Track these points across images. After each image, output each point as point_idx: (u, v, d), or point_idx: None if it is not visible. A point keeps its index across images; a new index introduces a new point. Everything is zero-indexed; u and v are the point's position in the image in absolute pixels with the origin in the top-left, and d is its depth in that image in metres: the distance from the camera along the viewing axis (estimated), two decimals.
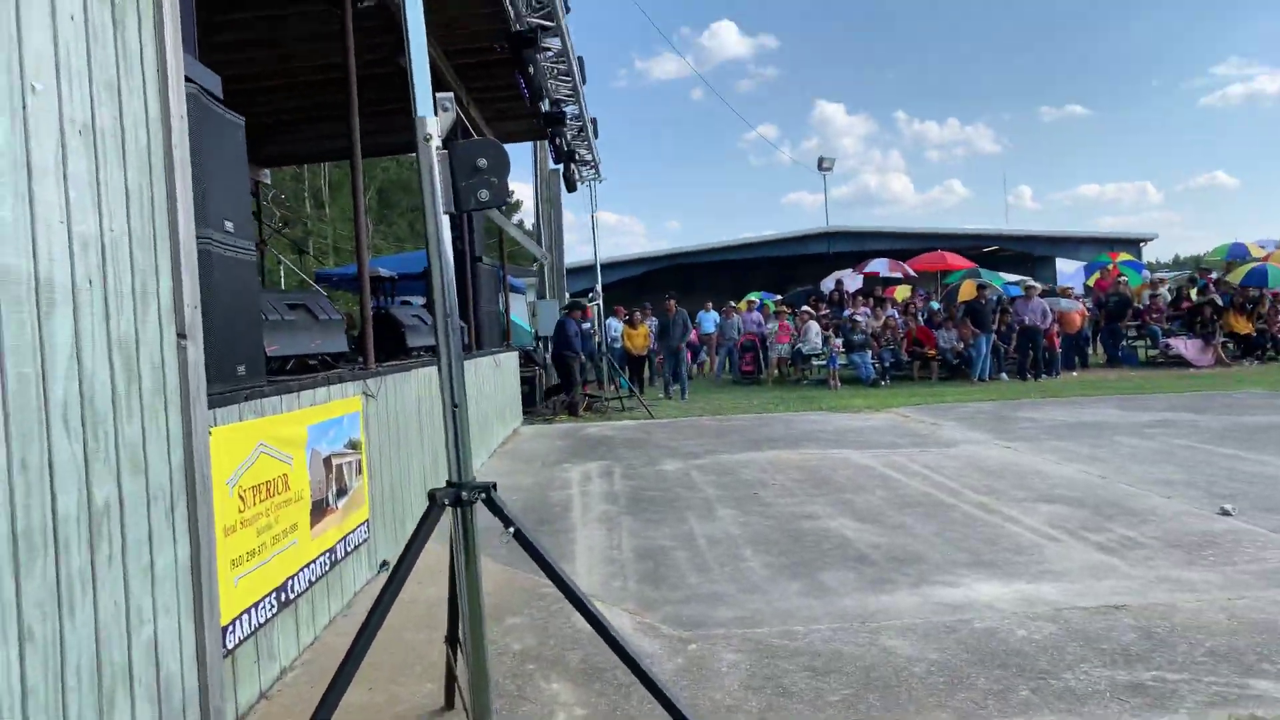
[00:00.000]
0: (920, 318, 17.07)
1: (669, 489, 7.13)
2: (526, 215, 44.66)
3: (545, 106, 9.87)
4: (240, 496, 3.31)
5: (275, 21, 7.58)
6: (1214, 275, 18.91)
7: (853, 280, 21.48)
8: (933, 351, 16.25)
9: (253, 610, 3.34)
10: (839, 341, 16.34)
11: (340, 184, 38.19)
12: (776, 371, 17.57)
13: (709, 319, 20.88)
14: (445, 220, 2.51)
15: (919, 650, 3.55)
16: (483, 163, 2.52)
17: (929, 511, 5.89)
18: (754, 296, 22.90)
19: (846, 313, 17.56)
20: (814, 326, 17.01)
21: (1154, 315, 17.49)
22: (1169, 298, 18.37)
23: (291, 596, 3.73)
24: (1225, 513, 5.43)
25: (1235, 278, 17.97)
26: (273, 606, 3.52)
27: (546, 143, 13.46)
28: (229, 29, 7.58)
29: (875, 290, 20.02)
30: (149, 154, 2.57)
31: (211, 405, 3.06)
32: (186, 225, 2.73)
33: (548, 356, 14.77)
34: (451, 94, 2.57)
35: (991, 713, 2.98)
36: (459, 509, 2.44)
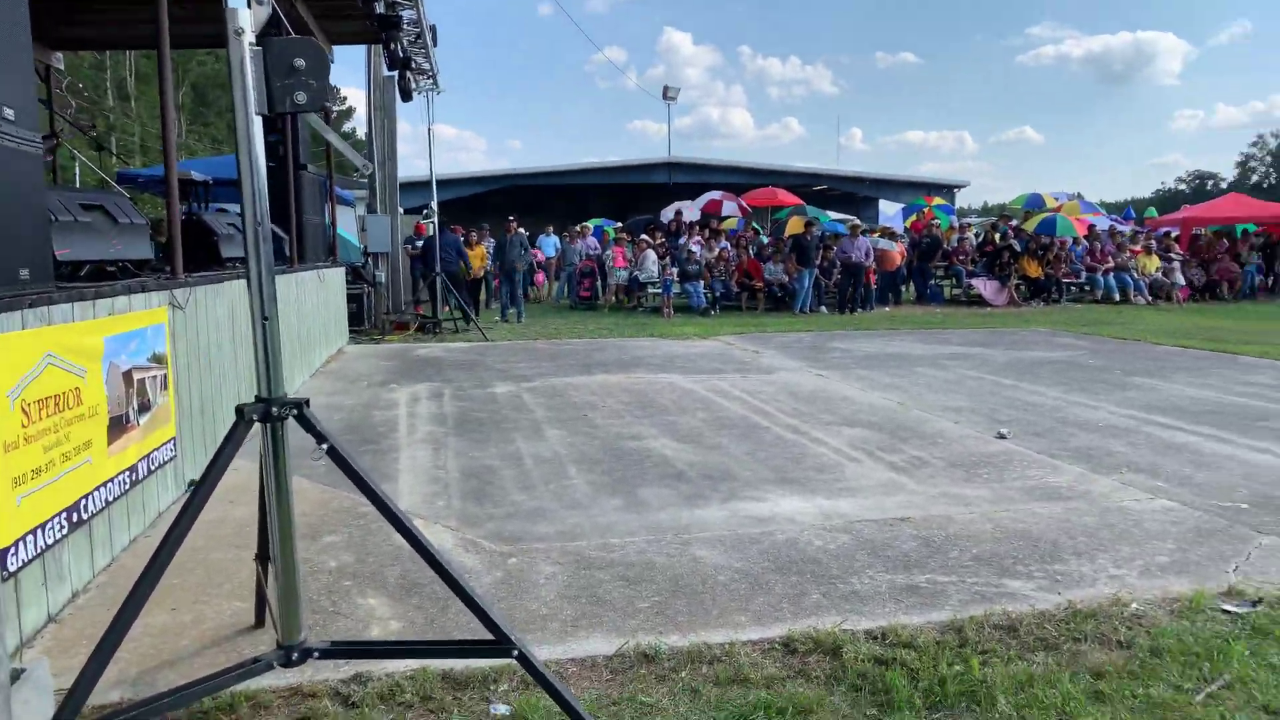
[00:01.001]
0: (751, 251, 17.64)
1: (498, 410, 7.16)
2: (359, 123, 42.32)
3: (380, 8, 9.33)
4: (24, 410, 3.08)
5: None
6: (1014, 222, 20.53)
7: (691, 212, 21.83)
8: (760, 283, 16.89)
9: (39, 531, 3.14)
10: (674, 270, 16.68)
11: (148, 76, 34.73)
12: (613, 298, 17.77)
13: (549, 243, 20.73)
14: (258, 122, 2.38)
15: (725, 560, 3.80)
16: (300, 63, 2.39)
17: (744, 433, 6.23)
18: (595, 222, 22.88)
19: (682, 241, 17.90)
20: (651, 255, 17.25)
21: (960, 257, 18.86)
22: (975, 241, 19.82)
23: (85, 517, 3.53)
24: (1001, 436, 6.05)
25: (1030, 225, 19.58)
26: (63, 527, 3.33)
27: (380, 47, 12.75)
28: None
29: (711, 222, 20.45)
30: None
31: None
32: None
33: (378, 273, 14.26)
34: None
35: (785, 614, 3.25)
36: (268, 425, 2.38)
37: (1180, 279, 18.58)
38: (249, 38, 2.30)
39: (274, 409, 2.37)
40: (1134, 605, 3.29)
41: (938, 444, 5.89)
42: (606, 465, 5.39)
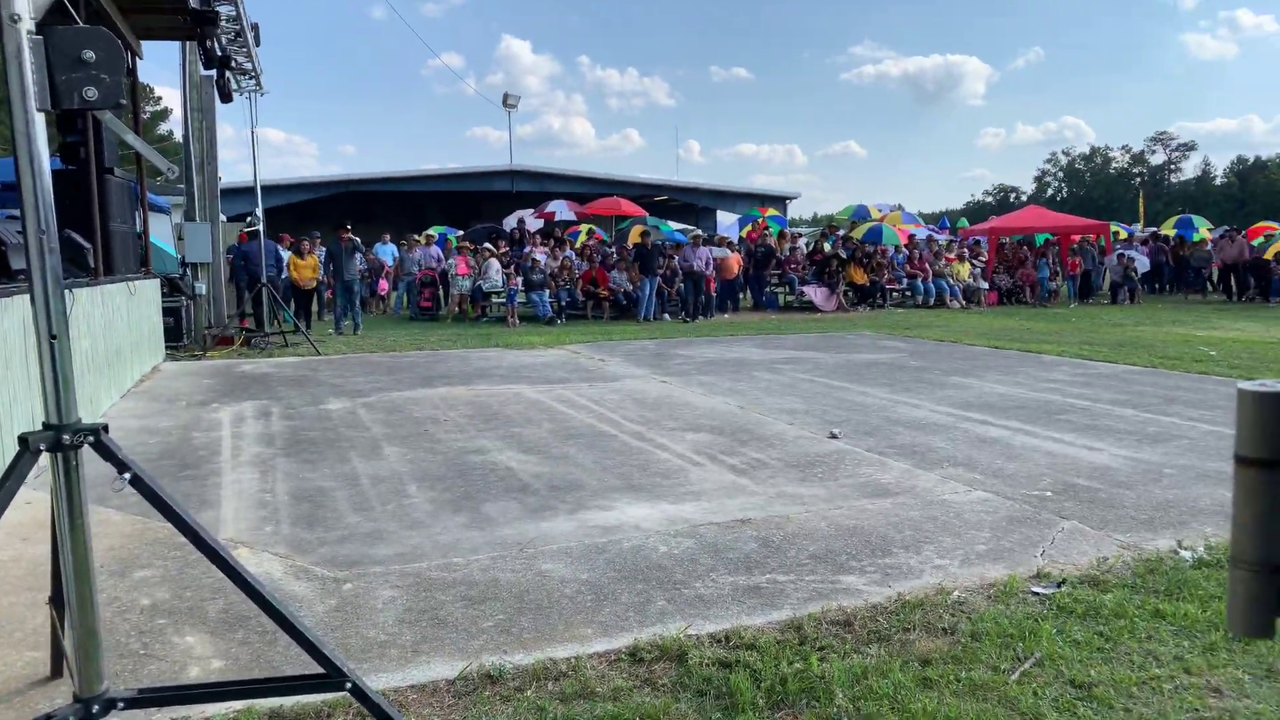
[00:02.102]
0: (596, 259, 17.74)
1: (332, 428, 6.84)
2: (175, 124, 39.69)
3: (194, 3, 8.75)
4: None
5: None
6: (841, 232, 21.64)
7: (534, 220, 21.74)
8: (606, 292, 17.01)
9: None
10: (519, 280, 16.53)
11: None
12: (456, 308, 17.41)
13: (386, 251, 20.06)
14: (40, 119, 2.16)
15: (572, 571, 3.76)
16: (89, 55, 2.18)
17: (591, 441, 6.21)
18: (435, 231, 22.37)
19: (526, 250, 17.77)
20: (495, 264, 17.03)
21: (793, 265, 19.67)
22: (805, 251, 20.73)
23: None
24: (833, 436, 6.32)
25: (857, 234, 20.70)
26: None
27: (196, 45, 11.96)
28: None
29: (555, 231, 20.43)
30: None
31: None
32: None
33: (197, 285, 13.35)
34: None
35: (631, 624, 3.25)
36: (59, 454, 2.14)
37: (984, 284, 20.12)
38: (28, 25, 2.08)
39: (65, 436, 2.14)
40: (956, 593, 3.49)
41: (775, 445, 6.08)
42: (449, 481, 5.24)
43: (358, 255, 15.11)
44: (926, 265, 20.05)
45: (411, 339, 13.59)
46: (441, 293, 17.81)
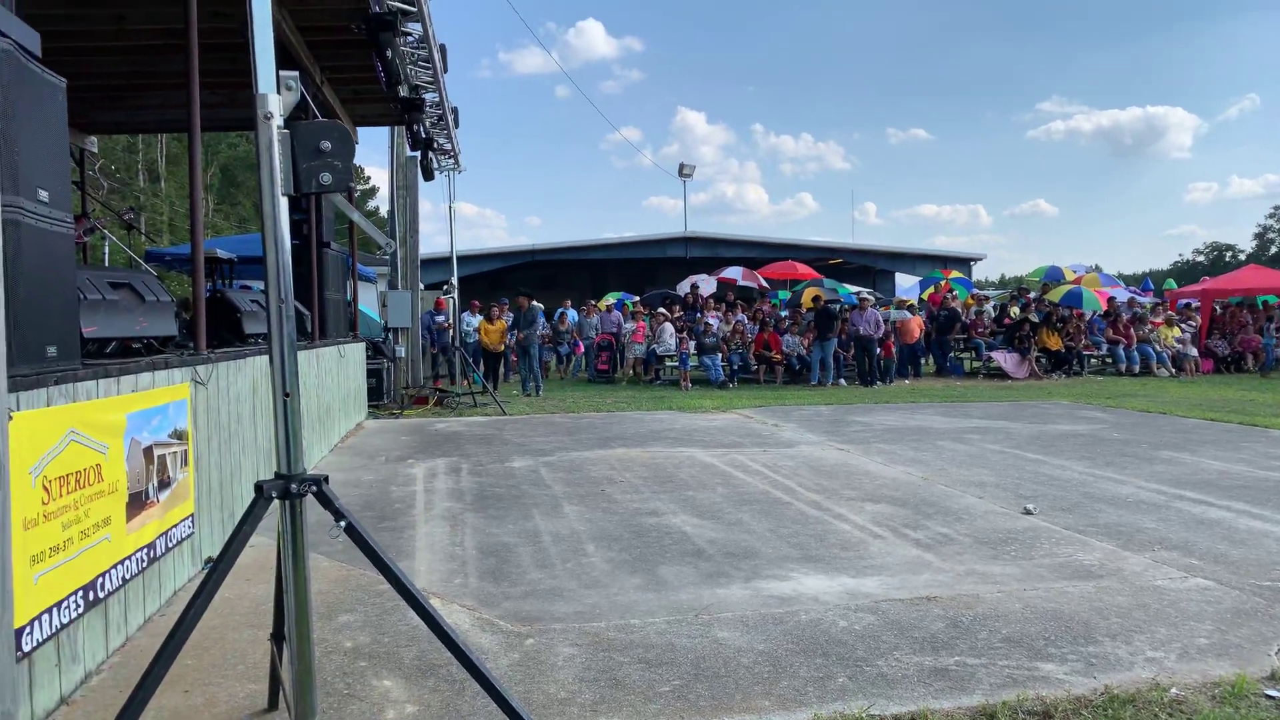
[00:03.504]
0: (770, 324, 17.70)
1: (516, 486, 7.11)
2: (382, 201, 43.32)
3: (403, 92, 9.61)
4: (45, 487, 3.08)
5: None
6: (1032, 295, 20.54)
7: (708, 285, 22.02)
8: (778, 355, 16.90)
9: (54, 610, 3.11)
10: (691, 343, 16.74)
11: (178, 158, 35.84)
12: (631, 371, 17.81)
13: (570, 316, 20.87)
14: (284, 202, 2.43)
15: (748, 641, 3.70)
16: (326, 145, 2.44)
17: (765, 509, 6.14)
18: (613, 297, 23.10)
19: (699, 315, 17.99)
20: (669, 328, 17.35)
21: (979, 329, 18.82)
22: (993, 314, 19.81)
23: (101, 595, 3.50)
24: (1028, 512, 5.93)
25: (1054, 297, 19.56)
26: (79, 606, 3.29)
27: (404, 129, 13.12)
28: None
29: (727, 295, 20.60)
30: None
31: (14, 388, 2.84)
32: None
33: (397, 348, 14.38)
34: (297, 73, 2.49)
35: (810, 698, 3.15)
36: (287, 501, 2.36)
37: (1193, 350, 18.43)
38: (277, 121, 2.37)
39: (293, 486, 2.36)
40: (1174, 690, 3.16)
41: (963, 520, 5.78)
42: (625, 542, 5.31)
43: (538, 321, 15.78)
44: (1129, 330, 18.65)
45: (589, 401, 13.99)
46: (618, 356, 18.28)
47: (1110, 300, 20.36)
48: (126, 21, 7.82)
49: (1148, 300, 22.12)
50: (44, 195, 3.44)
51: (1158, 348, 18.35)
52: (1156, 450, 8.47)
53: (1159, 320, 19.11)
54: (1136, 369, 18.05)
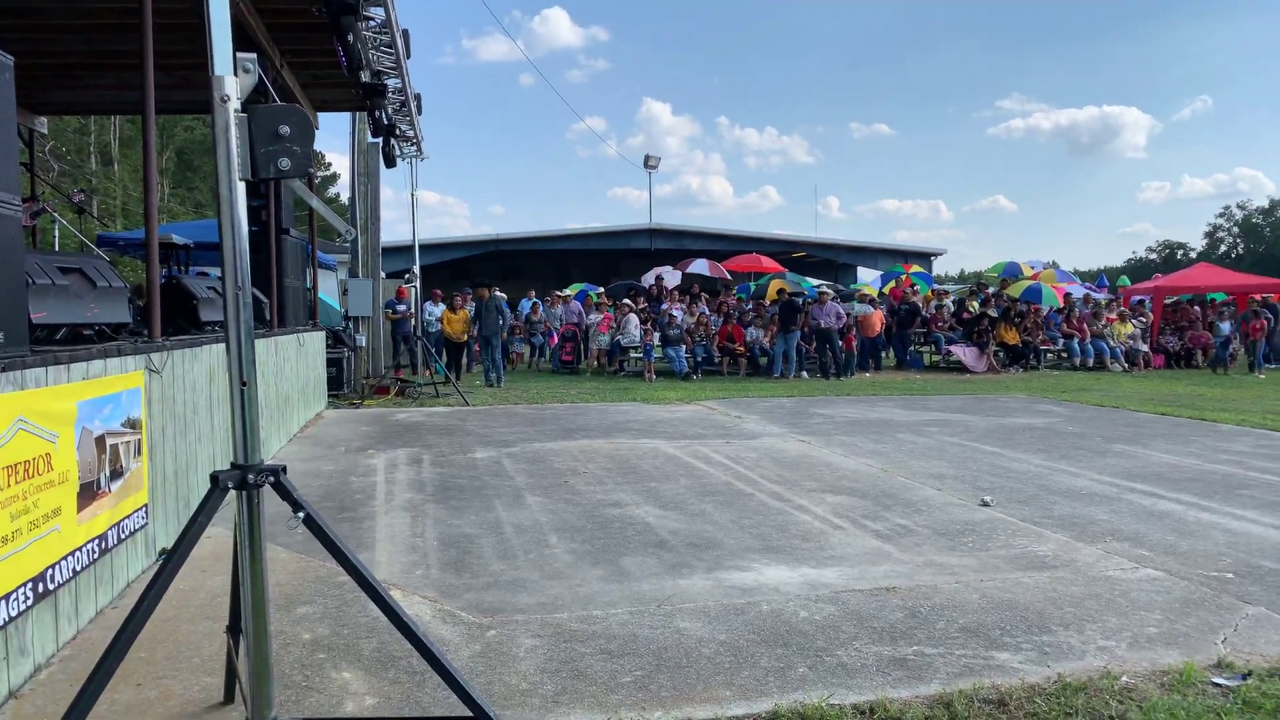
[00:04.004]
0: (734, 316, 17.77)
1: (478, 477, 7.07)
2: (343, 188, 42.71)
3: (365, 77, 9.47)
4: None
5: None
6: (991, 290, 20.84)
7: (672, 277, 22.03)
8: (742, 348, 16.98)
9: (2, 603, 3.03)
10: (656, 335, 16.75)
11: (132, 140, 35.02)
12: (595, 362, 17.79)
13: (530, 306, 20.78)
14: (241, 187, 2.38)
15: (710, 632, 3.72)
16: (285, 130, 2.40)
17: (728, 500, 6.17)
18: (576, 288, 23.02)
19: (664, 307, 18.01)
20: (633, 320, 17.34)
21: (939, 324, 19.07)
22: (952, 309, 20.08)
23: (51, 588, 3.42)
24: (985, 504, 6.03)
25: (1014, 292, 19.85)
26: (27, 598, 3.21)
27: (365, 114, 12.93)
28: None
29: (692, 287, 20.63)
30: None
31: None
32: None
33: (359, 337, 14.21)
34: (254, 55, 2.44)
35: (771, 689, 3.17)
36: (244, 492, 2.32)
37: (1143, 346, 18.84)
38: (234, 104, 2.32)
39: (250, 476, 2.32)
40: (1124, 678, 3.24)
41: (921, 511, 5.85)
42: (588, 533, 5.31)
43: (501, 311, 15.65)
44: (1084, 325, 19.02)
45: (553, 392, 13.94)
46: (581, 347, 18.24)
47: (1066, 296, 20.74)
48: None
49: (1102, 296, 22.56)
50: None
51: (1112, 343, 18.74)
52: (1110, 443, 8.65)
53: (1113, 316, 19.51)
54: (1091, 363, 18.41)
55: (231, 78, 2.29)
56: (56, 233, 11.72)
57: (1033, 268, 23.86)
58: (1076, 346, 18.64)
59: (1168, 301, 20.67)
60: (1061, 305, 19.77)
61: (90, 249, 11.73)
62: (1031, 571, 4.54)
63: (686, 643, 3.60)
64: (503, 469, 7.38)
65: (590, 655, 3.47)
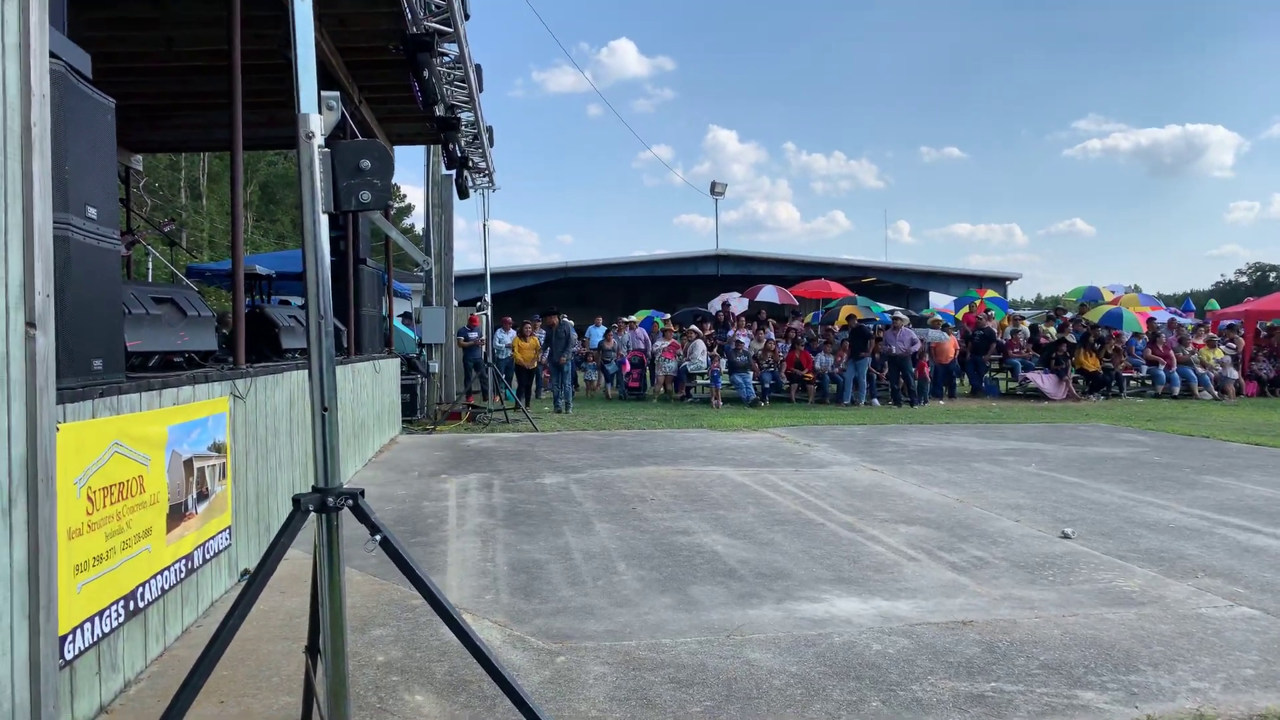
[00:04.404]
0: (802, 342, 17.61)
1: (547, 502, 7.12)
2: (417, 219, 43.84)
3: (440, 111, 9.75)
4: (89, 498, 3.14)
5: (158, 1, 7.25)
6: (1069, 315, 20.25)
7: (739, 303, 21.99)
8: (810, 374, 16.80)
9: (96, 619, 3.16)
10: (723, 362, 16.70)
11: (219, 176, 36.60)
12: (662, 389, 17.79)
13: (599, 333, 20.95)
14: (324, 219, 2.47)
15: (780, 663, 3.66)
16: (366, 164, 2.48)
17: (798, 529, 6.09)
18: (643, 314, 23.14)
19: (731, 334, 17.96)
20: (700, 346, 17.33)
21: (1016, 350, 18.59)
22: (1028, 334, 19.56)
23: (141, 605, 3.55)
24: (1066, 536, 5.83)
25: (1093, 317, 19.27)
26: (119, 615, 3.35)
27: (439, 147, 13.28)
28: (107, 5, 7.21)
29: (759, 314, 20.55)
30: (4, 132, 2.43)
31: (61, 400, 2.90)
32: (43, 209, 2.59)
33: (432, 364, 14.50)
34: (338, 93, 2.54)
35: None
36: (324, 515, 2.38)
37: (1234, 372, 18.02)
38: (319, 140, 2.41)
39: (330, 499, 2.38)
40: None
41: (999, 543, 5.69)
42: (656, 561, 5.30)
43: (570, 338, 15.78)
44: (1170, 351, 18.31)
45: (620, 418, 13.99)
46: (647, 374, 18.27)
47: (1150, 321, 20.02)
48: (174, 44, 8.03)
49: (1189, 321, 21.72)
50: (92, 212, 3.53)
51: (1199, 369, 18.00)
52: (1199, 475, 8.29)
53: (1200, 341, 18.75)
54: (1177, 391, 17.70)
55: (316, 115, 2.38)
56: (150, 264, 12.28)
57: (1114, 292, 23.16)
58: (1162, 373, 17.94)
59: (1261, 326, 19.78)
60: (1145, 330, 19.10)
61: (180, 280, 12.25)
62: (1117, 607, 4.36)
63: (757, 674, 3.55)
64: (571, 495, 7.42)
65: (659, 684, 3.45)
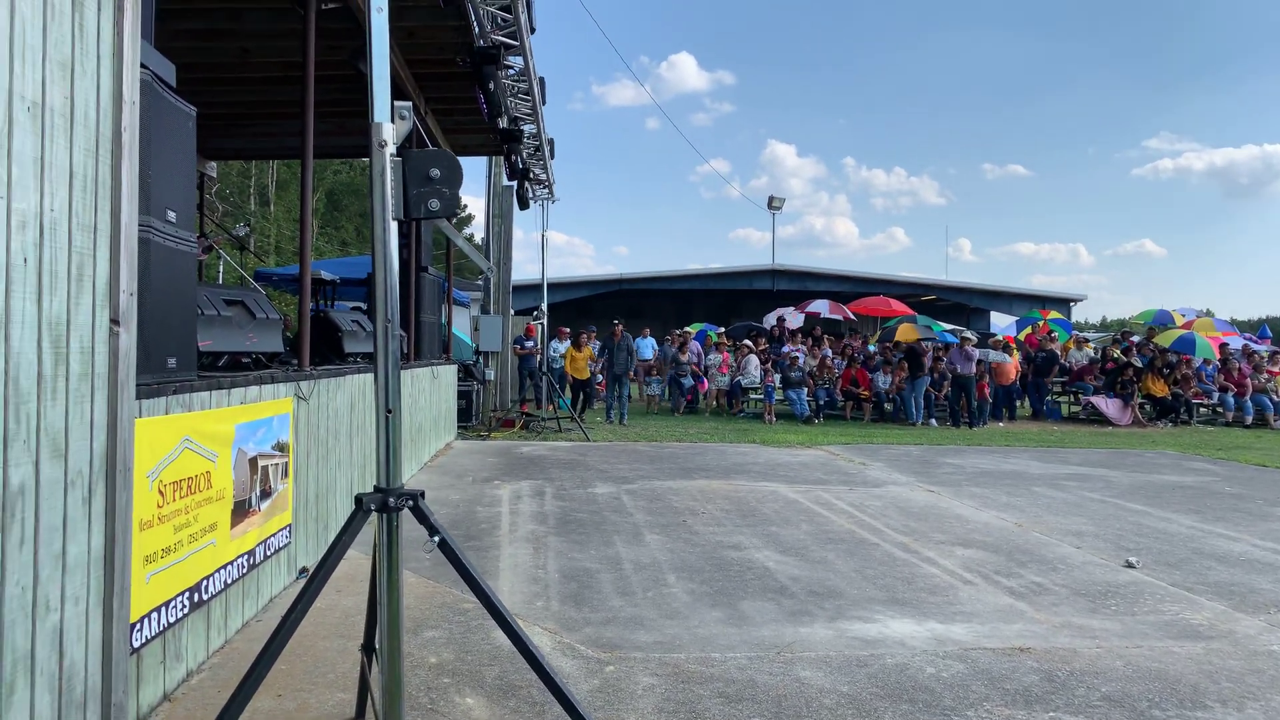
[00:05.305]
0: (858, 360, 17.41)
1: (599, 512, 7.15)
2: (477, 229, 44.50)
3: (503, 123, 9.90)
4: (160, 491, 3.25)
5: (236, 14, 7.50)
6: (1136, 339, 19.68)
7: (794, 318, 21.84)
8: (867, 392, 16.59)
9: (163, 609, 3.26)
10: (776, 377, 16.59)
11: (287, 183, 37.61)
12: (715, 403, 17.73)
13: (647, 345, 20.97)
14: (394, 227, 2.53)
15: (831, 682, 3.62)
16: (435, 173, 2.54)
17: (851, 549, 6.01)
18: (696, 327, 23.11)
19: (785, 349, 17.83)
20: (753, 360, 17.25)
21: (1089, 376, 18.10)
22: (1093, 356, 19.05)
23: (205, 598, 3.66)
24: (1130, 565, 5.66)
25: (1164, 342, 18.69)
26: (184, 606, 3.45)
27: (501, 158, 13.48)
28: (188, 17, 7.48)
29: (814, 330, 20.38)
30: (97, 137, 2.54)
31: (139, 395, 3.01)
32: (129, 211, 2.70)
33: (488, 371, 14.68)
34: (410, 103, 2.61)
35: None
36: (384, 514, 2.43)
37: None
38: (390, 149, 2.47)
39: (391, 500, 2.44)
40: None
41: (1059, 570, 5.55)
42: (706, 574, 5.28)
43: (630, 351, 15.81)
44: (1245, 378, 17.67)
45: (671, 431, 13.98)
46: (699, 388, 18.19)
47: (1223, 346, 19.36)
48: (250, 55, 8.29)
49: (1264, 348, 20.94)
50: (172, 216, 3.66)
51: (1275, 398, 17.34)
52: (1272, 506, 7.98)
53: (1277, 369, 18.07)
54: (1249, 420, 17.07)
55: (389, 125, 2.45)
56: (220, 267, 12.66)
57: (1185, 316, 22.43)
58: (1233, 400, 17.33)
59: None
60: (1218, 356, 18.47)
61: (249, 283, 12.61)
62: (1184, 641, 4.22)
63: (807, 692, 3.51)
64: (622, 505, 7.44)
65: (708, 698, 3.44)
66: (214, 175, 13.45)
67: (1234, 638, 4.28)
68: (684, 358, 17.73)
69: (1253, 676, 3.77)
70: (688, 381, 17.55)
